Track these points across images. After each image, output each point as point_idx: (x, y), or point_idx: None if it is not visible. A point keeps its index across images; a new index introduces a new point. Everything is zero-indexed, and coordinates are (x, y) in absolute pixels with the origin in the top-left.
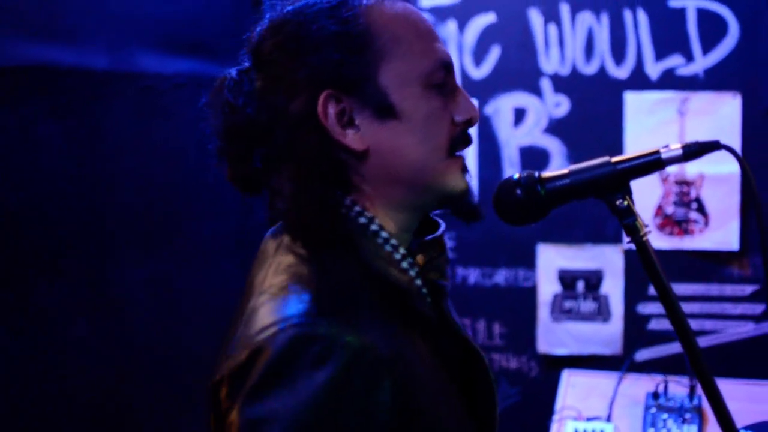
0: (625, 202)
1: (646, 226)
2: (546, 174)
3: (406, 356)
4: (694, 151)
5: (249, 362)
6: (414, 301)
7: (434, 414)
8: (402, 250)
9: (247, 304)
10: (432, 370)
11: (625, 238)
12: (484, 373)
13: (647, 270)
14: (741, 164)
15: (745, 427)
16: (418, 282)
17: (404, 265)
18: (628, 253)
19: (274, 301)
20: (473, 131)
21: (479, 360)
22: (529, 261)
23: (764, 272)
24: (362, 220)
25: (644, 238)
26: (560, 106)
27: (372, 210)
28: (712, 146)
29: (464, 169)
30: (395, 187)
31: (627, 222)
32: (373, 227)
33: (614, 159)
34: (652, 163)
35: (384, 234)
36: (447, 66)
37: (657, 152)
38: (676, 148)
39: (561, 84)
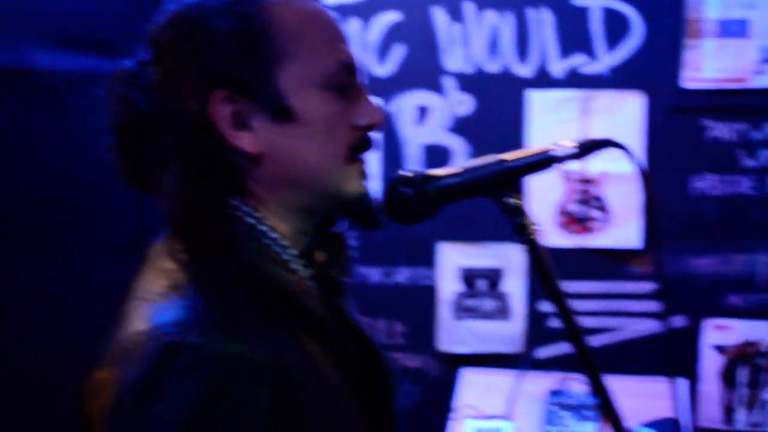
0: (514, 201)
1: (536, 224)
2: (436, 172)
3: (292, 361)
4: (584, 148)
5: (117, 372)
6: (303, 301)
7: (324, 417)
8: (292, 251)
9: (125, 310)
10: (324, 371)
11: None
12: (384, 372)
13: (537, 268)
14: (633, 162)
15: (646, 424)
16: (310, 282)
17: (294, 265)
18: None
19: (147, 308)
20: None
21: (379, 359)
22: (430, 259)
23: (658, 269)
24: (250, 220)
25: (531, 237)
26: (464, 104)
27: (264, 212)
28: (603, 144)
29: (363, 174)
30: (290, 191)
31: (516, 220)
32: (261, 228)
33: (505, 157)
34: (542, 161)
35: (273, 234)
36: (350, 68)
37: (547, 150)
38: (566, 145)
39: (465, 82)
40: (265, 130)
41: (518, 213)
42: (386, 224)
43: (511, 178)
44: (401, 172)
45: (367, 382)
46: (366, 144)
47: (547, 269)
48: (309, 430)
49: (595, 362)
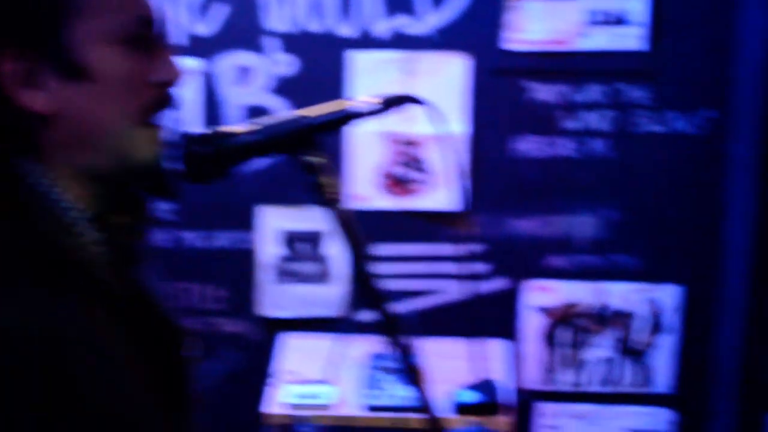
0: (314, 159)
1: (335, 184)
2: (233, 129)
3: (69, 333)
4: (387, 104)
5: None
6: (87, 267)
7: (106, 392)
8: (81, 214)
9: None
10: (108, 342)
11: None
12: (177, 343)
13: (337, 229)
14: (434, 120)
15: (467, 386)
16: (99, 248)
17: (81, 229)
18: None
19: None
20: (196, 91)
21: (175, 331)
22: (250, 223)
23: (478, 230)
24: (33, 182)
25: (329, 197)
26: (286, 65)
27: (55, 174)
28: (406, 100)
29: (157, 141)
30: (83, 151)
31: (313, 180)
32: (45, 190)
33: (305, 113)
34: (342, 117)
35: (58, 197)
36: (147, 21)
37: (348, 105)
38: (369, 101)
39: (287, 43)
40: (58, 88)
41: (316, 171)
42: (181, 193)
43: (310, 134)
44: (197, 131)
45: (161, 353)
46: (164, 101)
47: (349, 230)
48: (87, 405)
49: (399, 328)
